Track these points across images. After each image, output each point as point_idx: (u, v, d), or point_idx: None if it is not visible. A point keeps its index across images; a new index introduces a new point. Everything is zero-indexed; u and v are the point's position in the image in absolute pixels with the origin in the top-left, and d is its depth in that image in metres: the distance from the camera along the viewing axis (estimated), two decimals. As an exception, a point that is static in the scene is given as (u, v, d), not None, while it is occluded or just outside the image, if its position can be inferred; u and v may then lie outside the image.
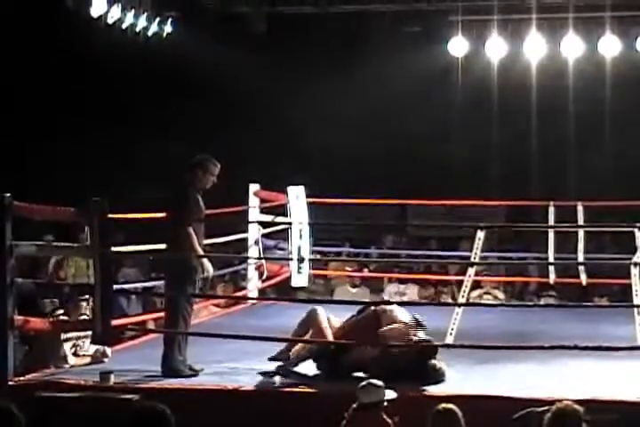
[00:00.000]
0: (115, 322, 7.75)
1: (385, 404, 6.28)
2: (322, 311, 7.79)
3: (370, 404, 6.26)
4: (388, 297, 12.27)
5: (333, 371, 7.49)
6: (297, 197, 11.15)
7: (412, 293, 12.56)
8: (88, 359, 8.01)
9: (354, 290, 12.70)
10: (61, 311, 8.32)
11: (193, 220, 7.72)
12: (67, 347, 7.94)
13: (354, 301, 10.62)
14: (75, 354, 8.00)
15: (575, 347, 7.11)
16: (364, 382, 6.37)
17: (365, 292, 12.69)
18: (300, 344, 7.74)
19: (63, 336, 7.94)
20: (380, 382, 6.35)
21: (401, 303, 9.39)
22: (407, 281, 12.69)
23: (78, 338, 8.00)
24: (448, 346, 7.83)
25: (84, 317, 8.01)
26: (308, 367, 7.64)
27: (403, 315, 7.61)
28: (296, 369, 7.64)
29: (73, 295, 8.35)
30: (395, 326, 7.51)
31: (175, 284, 7.73)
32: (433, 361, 7.34)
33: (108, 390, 7.10)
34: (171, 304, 7.81)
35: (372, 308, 7.74)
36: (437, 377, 7.28)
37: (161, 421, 4.59)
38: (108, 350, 8.07)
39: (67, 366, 7.90)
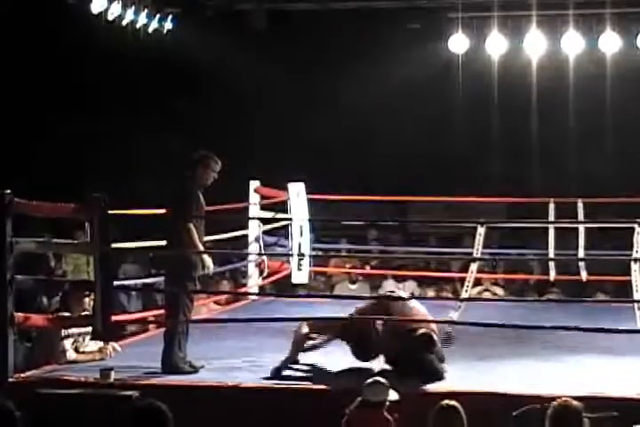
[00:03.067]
0: (115, 318, 7.74)
1: (387, 403, 6.29)
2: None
3: (373, 402, 6.25)
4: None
5: (362, 353, 7.48)
6: (297, 194, 11.16)
7: (409, 291, 12.52)
8: (97, 355, 7.98)
9: (353, 286, 12.70)
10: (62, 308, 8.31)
11: (193, 216, 7.72)
12: (67, 343, 7.92)
13: (354, 296, 10.60)
14: (76, 350, 7.98)
15: (575, 328, 7.15)
16: (370, 380, 6.38)
17: (365, 288, 12.68)
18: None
19: (64, 332, 7.92)
20: (386, 382, 6.35)
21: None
22: (404, 279, 12.68)
23: (79, 334, 7.98)
24: (454, 323, 7.84)
25: (86, 312, 7.99)
26: (309, 364, 7.66)
27: (417, 305, 7.60)
28: (297, 365, 7.65)
29: (74, 291, 8.31)
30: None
31: (175, 280, 7.74)
32: (431, 357, 7.35)
33: (109, 386, 7.10)
34: (171, 301, 7.81)
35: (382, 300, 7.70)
36: (440, 376, 7.28)
37: (159, 419, 4.59)
38: (117, 346, 8.06)
39: (66, 360, 7.88)
